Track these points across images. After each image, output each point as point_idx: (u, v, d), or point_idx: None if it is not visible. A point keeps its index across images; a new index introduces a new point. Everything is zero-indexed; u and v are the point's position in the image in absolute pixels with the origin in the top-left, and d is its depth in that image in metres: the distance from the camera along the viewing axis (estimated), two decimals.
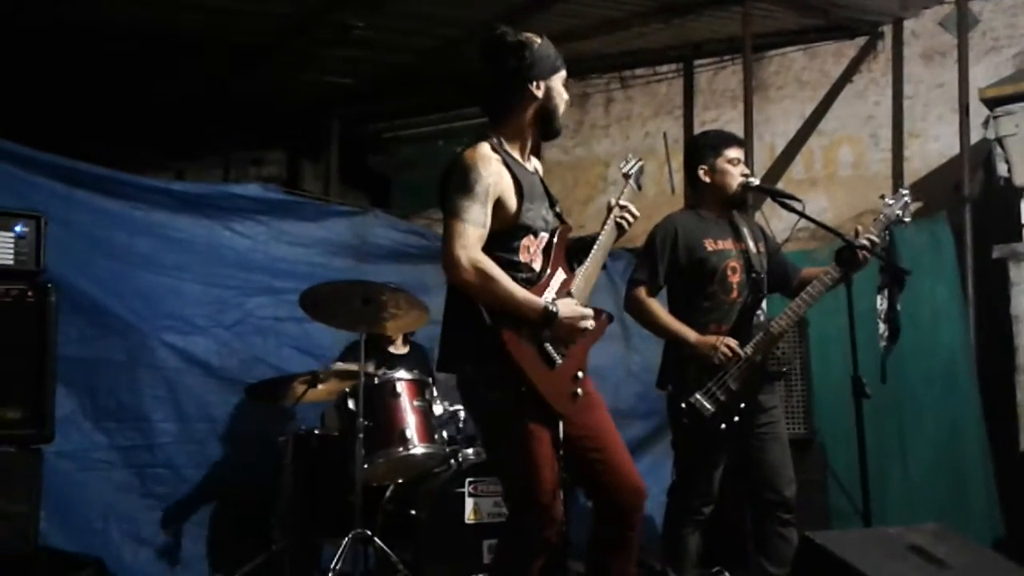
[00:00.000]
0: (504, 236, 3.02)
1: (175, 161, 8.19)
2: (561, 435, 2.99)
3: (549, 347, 2.99)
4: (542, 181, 3.22)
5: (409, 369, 4.82)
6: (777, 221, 4.71)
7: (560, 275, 3.11)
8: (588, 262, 3.18)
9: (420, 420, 4.59)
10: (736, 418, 3.88)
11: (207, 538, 4.90)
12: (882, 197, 4.07)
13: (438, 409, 4.71)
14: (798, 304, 3.95)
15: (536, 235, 3.10)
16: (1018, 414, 5.57)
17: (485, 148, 3.04)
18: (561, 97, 3.16)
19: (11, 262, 3.65)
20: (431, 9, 6.38)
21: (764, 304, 4.13)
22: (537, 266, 3.09)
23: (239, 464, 5.01)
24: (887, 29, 6.75)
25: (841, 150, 6.85)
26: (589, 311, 3.07)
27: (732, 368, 3.87)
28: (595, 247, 3.19)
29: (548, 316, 2.97)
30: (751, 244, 4.09)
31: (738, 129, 6.01)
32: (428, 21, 6.58)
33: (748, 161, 4.23)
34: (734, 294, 4.02)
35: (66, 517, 4.40)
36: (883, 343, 5.06)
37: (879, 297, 5.07)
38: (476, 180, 2.96)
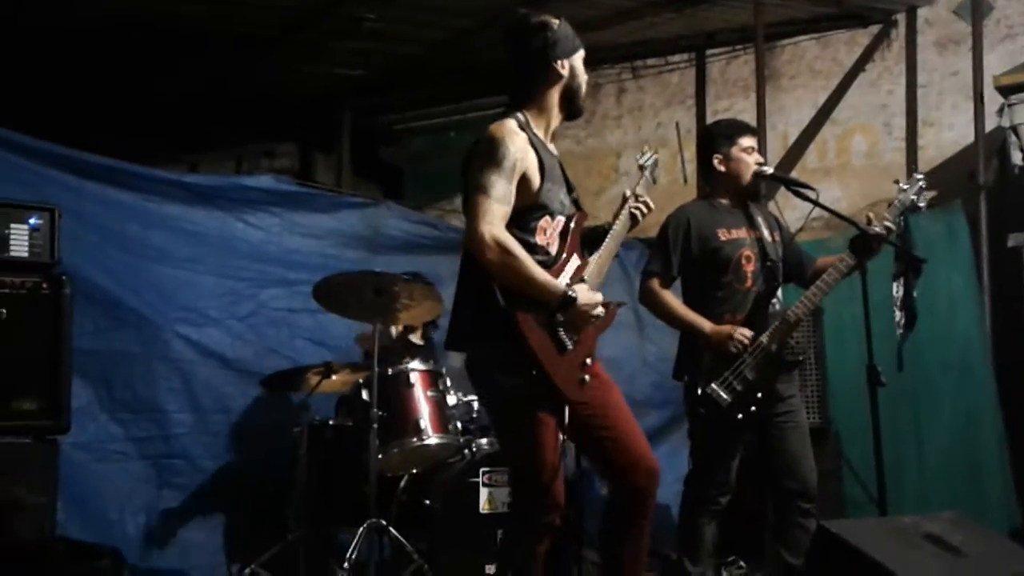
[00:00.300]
0: (523, 215, 3.02)
1: (188, 154, 8.20)
2: (567, 421, 3.00)
3: (561, 332, 2.98)
4: (561, 166, 3.22)
5: (423, 360, 4.82)
6: (790, 211, 4.68)
7: (575, 261, 3.11)
8: (601, 250, 3.20)
9: (434, 410, 4.60)
10: (753, 408, 3.87)
11: (223, 528, 4.92)
12: (896, 183, 4.05)
13: (452, 399, 4.71)
14: (813, 292, 3.94)
15: (553, 217, 3.10)
16: None
17: (512, 124, 3.05)
18: (583, 75, 3.21)
19: (26, 254, 3.66)
20: (442, 0, 6.37)
21: (779, 293, 4.12)
22: (553, 250, 3.09)
23: (254, 455, 5.03)
24: (900, 17, 6.72)
25: (855, 139, 6.82)
26: (601, 298, 3.08)
27: (748, 357, 3.86)
28: (609, 236, 3.20)
29: (566, 300, 2.97)
30: (765, 232, 4.08)
31: (751, 119, 5.97)
32: (439, 12, 6.57)
33: (761, 151, 4.22)
34: (748, 283, 4.01)
35: (82, 508, 4.43)
36: (900, 331, 5.04)
37: (895, 285, 5.06)
38: (504, 155, 2.96)
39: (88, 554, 3.90)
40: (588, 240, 3.23)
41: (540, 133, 3.15)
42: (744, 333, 3.87)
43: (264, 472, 4.96)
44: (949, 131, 6.46)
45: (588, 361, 3.06)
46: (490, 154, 2.97)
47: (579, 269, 3.11)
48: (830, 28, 6.96)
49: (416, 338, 5.33)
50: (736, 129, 4.16)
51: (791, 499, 3.97)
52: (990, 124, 6.05)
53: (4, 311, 3.53)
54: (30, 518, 3.43)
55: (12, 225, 3.64)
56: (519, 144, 3.00)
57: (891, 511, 3.62)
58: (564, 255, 3.09)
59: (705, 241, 4.02)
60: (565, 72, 3.14)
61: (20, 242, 3.65)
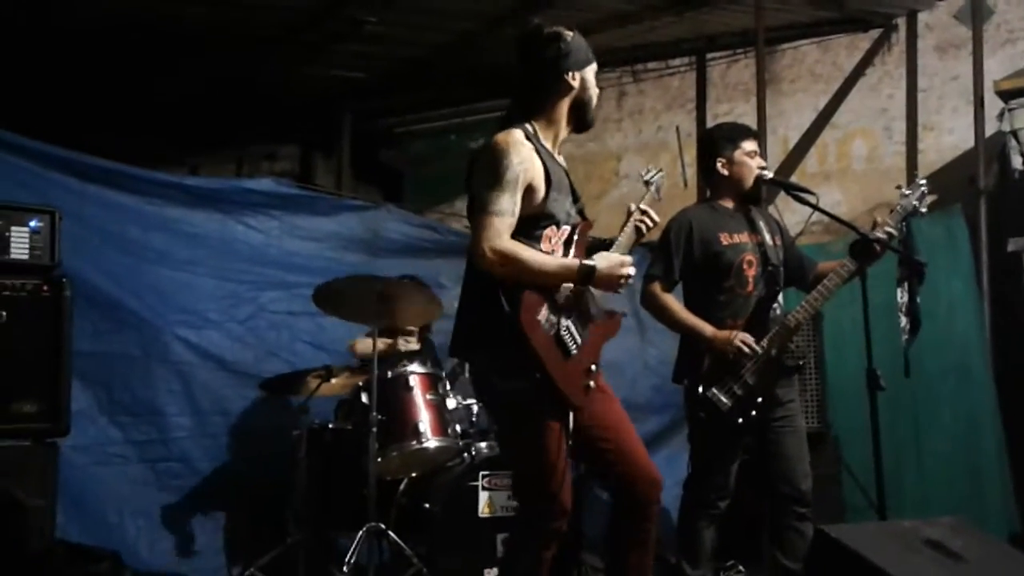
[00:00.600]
0: (528, 224, 3.02)
1: (189, 156, 8.21)
2: (571, 426, 3.00)
3: (565, 336, 2.99)
4: (568, 176, 3.22)
5: (422, 363, 4.82)
6: (791, 215, 4.70)
7: None
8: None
9: (433, 414, 4.59)
10: (753, 412, 3.87)
11: (223, 531, 4.92)
12: (898, 188, 4.06)
13: (451, 403, 4.70)
14: (814, 297, 3.94)
15: (559, 226, 3.10)
16: None
17: (518, 134, 3.05)
18: (594, 89, 3.22)
19: (26, 257, 3.66)
20: (443, 4, 6.37)
21: (780, 298, 4.13)
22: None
23: (253, 458, 5.03)
24: (901, 22, 6.73)
25: (855, 143, 6.83)
26: (628, 258, 3.08)
27: (748, 362, 3.86)
28: (614, 247, 3.21)
29: (587, 272, 2.98)
30: (767, 237, 4.08)
31: (751, 123, 5.96)
32: (440, 15, 6.57)
33: (762, 155, 4.22)
34: (750, 288, 4.01)
35: (82, 511, 4.43)
36: (905, 337, 5.04)
37: (899, 290, 5.05)
38: (507, 168, 2.96)
39: (88, 557, 3.90)
40: (593, 251, 3.24)
41: (548, 144, 3.14)
42: (745, 338, 3.87)
43: (263, 475, 4.95)
44: (949, 135, 6.47)
45: (593, 367, 3.07)
46: (493, 167, 2.97)
47: None
48: (831, 32, 6.97)
49: (413, 342, 5.33)
50: (738, 133, 4.16)
51: (786, 504, 3.97)
52: (990, 128, 6.06)
53: (4, 313, 3.52)
54: (30, 521, 3.42)
55: (13, 228, 3.64)
56: (524, 155, 3.00)
57: (890, 516, 3.62)
58: None
59: (707, 245, 4.02)
60: (576, 84, 3.15)
61: (21, 244, 3.65)
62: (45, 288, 3.63)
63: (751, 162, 4.07)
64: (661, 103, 7.60)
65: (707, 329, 3.93)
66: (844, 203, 6.56)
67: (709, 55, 7.42)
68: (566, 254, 3.10)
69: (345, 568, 4.15)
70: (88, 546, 4.08)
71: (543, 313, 2.96)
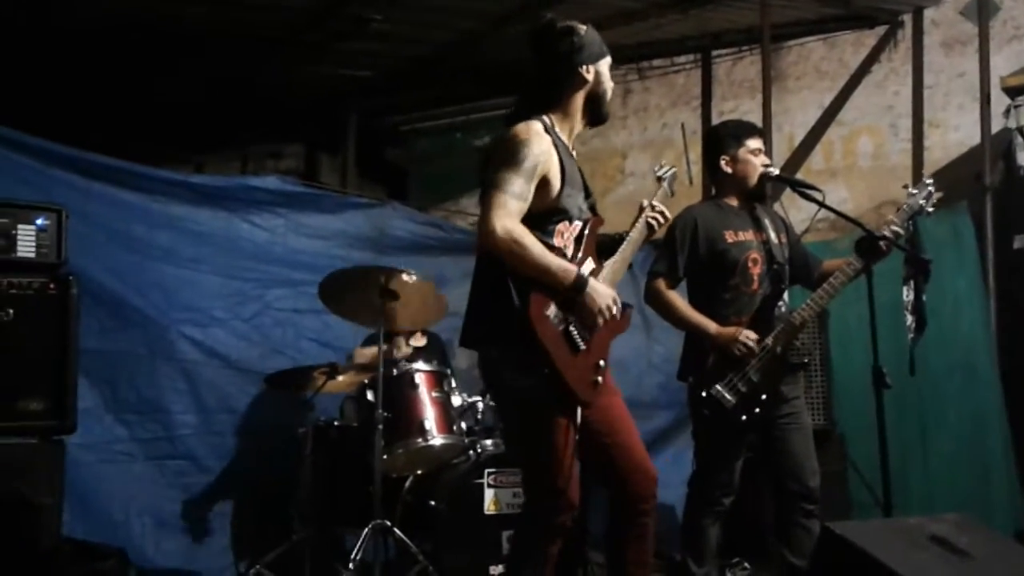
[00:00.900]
0: (541, 217, 3.02)
1: (194, 155, 8.22)
2: (579, 421, 3.00)
3: (574, 331, 2.99)
4: (581, 172, 3.22)
5: (427, 360, 4.82)
6: (796, 212, 4.69)
7: (589, 264, 3.12)
8: (616, 256, 3.22)
9: (439, 411, 4.60)
10: (757, 409, 3.87)
11: (228, 529, 4.93)
12: (905, 187, 4.04)
13: (457, 400, 4.71)
14: (820, 295, 3.93)
15: (571, 221, 3.10)
16: None
17: (538, 125, 3.06)
18: (608, 81, 3.23)
19: (33, 255, 3.66)
20: (448, 1, 6.37)
21: (786, 295, 4.12)
22: (569, 252, 3.09)
23: (259, 455, 5.03)
24: (907, 18, 6.72)
25: (861, 140, 6.82)
26: (616, 296, 3.08)
27: (753, 359, 3.86)
28: (625, 243, 3.23)
29: (580, 282, 2.97)
30: (772, 235, 4.07)
31: (756, 120, 5.94)
32: (445, 13, 6.57)
33: (767, 152, 4.21)
34: (755, 285, 4.00)
35: (88, 509, 4.44)
36: (911, 335, 5.03)
37: (905, 289, 5.04)
38: (526, 155, 2.96)
39: (94, 555, 3.90)
40: (604, 247, 3.24)
41: (564, 137, 3.15)
42: (749, 336, 3.86)
43: (269, 473, 4.96)
44: (955, 132, 6.46)
45: (601, 363, 3.07)
46: (512, 152, 2.97)
47: (592, 272, 3.11)
48: (836, 29, 6.96)
49: (417, 341, 5.33)
50: (743, 130, 4.15)
51: (793, 500, 3.96)
52: (996, 125, 6.05)
53: (11, 311, 3.52)
54: (37, 518, 3.43)
55: (19, 225, 3.63)
56: (544, 146, 3.01)
57: (896, 513, 3.61)
58: (580, 257, 3.10)
59: (712, 243, 4.01)
60: (591, 77, 3.15)
61: (27, 242, 3.64)
62: (52, 286, 3.62)
63: (755, 160, 4.06)
64: (666, 100, 7.59)
65: (711, 326, 3.92)
66: (850, 200, 6.55)
67: (714, 52, 7.41)
68: (577, 250, 3.10)
69: (351, 565, 4.16)
70: (94, 543, 4.09)
71: (552, 309, 2.96)
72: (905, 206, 3.94)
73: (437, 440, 4.54)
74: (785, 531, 4.00)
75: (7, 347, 3.50)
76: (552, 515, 3.03)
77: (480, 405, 4.84)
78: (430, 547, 4.39)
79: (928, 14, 6.64)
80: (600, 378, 3.06)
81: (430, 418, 4.56)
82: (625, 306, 3.19)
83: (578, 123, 3.22)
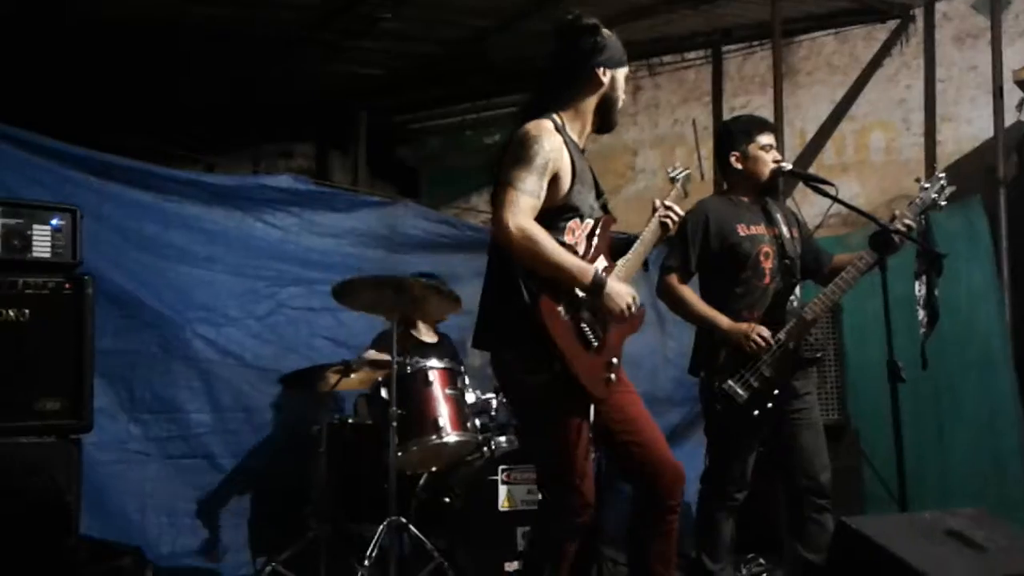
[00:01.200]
0: (552, 215, 3.02)
1: (205, 155, 8.24)
2: (592, 419, 3.00)
3: (586, 328, 2.99)
4: (592, 171, 3.23)
5: (440, 358, 4.83)
6: (808, 207, 4.67)
7: (601, 261, 3.12)
8: (629, 255, 3.21)
9: (453, 408, 4.61)
10: (769, 404, 3.86)
11: (244, 527, 4.94)
12: (917, 181, 4.03)
13: (470, 397, 4.73)
14: (832, 290, 3.92)
15: (582, 219, 3.10)
16: None
17: (548, 124, 3.06)
18: (622, 92, 3.23)
19: (48, 255, 3.66)
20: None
21: (798, 290, 4.11)
22: (580, 250, 3.09)
23: (274, 453, 5.05)
24: (918, 12, 6.69)
25: (873, 135, 6.80)
26: (634, 293, 3.08)
27: (765, 355, 3.85)
28: (638, 242, 3.22)
29: (599, 284, 2.97)
30: (784, 229, 4.06)
31: (768, 115, 5.98)
32: (455, 11, 6.57)
33: (778, 147, 4.20)
34: (767, 280, 3.99)
35: (103, 508, 4.46)
36: (923, 330, 5.03)
37: (917, 283, 5.03)
38: (537, 152, 2.97)
39: (112, 553, 3.92)
40: (618, 247, 3.24)
41: (574, 136, 3.16)
42: (761, 331, 3.86)
43: (284, 470, 4.98)
44: (968, 126, 6.43)
45: (614, 361, 3.07)
46: (523, 150, 2.97)
47: (606, 270, 3.11)
48: (847, 23, 6.93)
49: (429, 336, 5.34)
50: (754, 126, 4.14)
51: (805, 496, 3.95)
52: (1009, 119, 6.04)
53: (27, 311, 3.54)
54: (55, 517, 3.44)
55: (35, 226, 3.64)
56: (555, 144, 3.01)
57: (912, 508, 3.61)
58: (591, 255, 3.10)
59: (724, 237, 4.01)
60: (606, 80, 3.15)
61: (43, 243, 3.65)
62: (67, 286, 3.63)
63: (766, 156, 4.05)
64: (677, 96, 7.58)
65: (723, 321, 3.91)
66: (862, 195, 6.53)
67: (725, 48, 7.39)
68: (588, 248, 3.10)
69: (366, 562, 4.16)
70: (112, 542, 4.12)
71: (563, 306, 2.96)
72: (917, 200, 3.93)
73: (451, 437, 4.55)
74: (798, 527, 4.00)
75: (24, 347, 3.51)
76: (569, 514, 3.03)
77: (493, 402, 4.85)
78: (445, 544, 4.40)
79: (940, 7, 6.61)
80: (613, 375, 3.06)
81: (444, 415, 4.57)
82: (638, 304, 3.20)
83: (588, 125, 3.22)
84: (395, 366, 4.38)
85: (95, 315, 3.77)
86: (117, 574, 3.86)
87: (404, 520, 4.32)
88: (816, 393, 4.18)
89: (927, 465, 5.54)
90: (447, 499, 4.55)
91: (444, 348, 5.27)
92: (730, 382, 3.85)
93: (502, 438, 4.73)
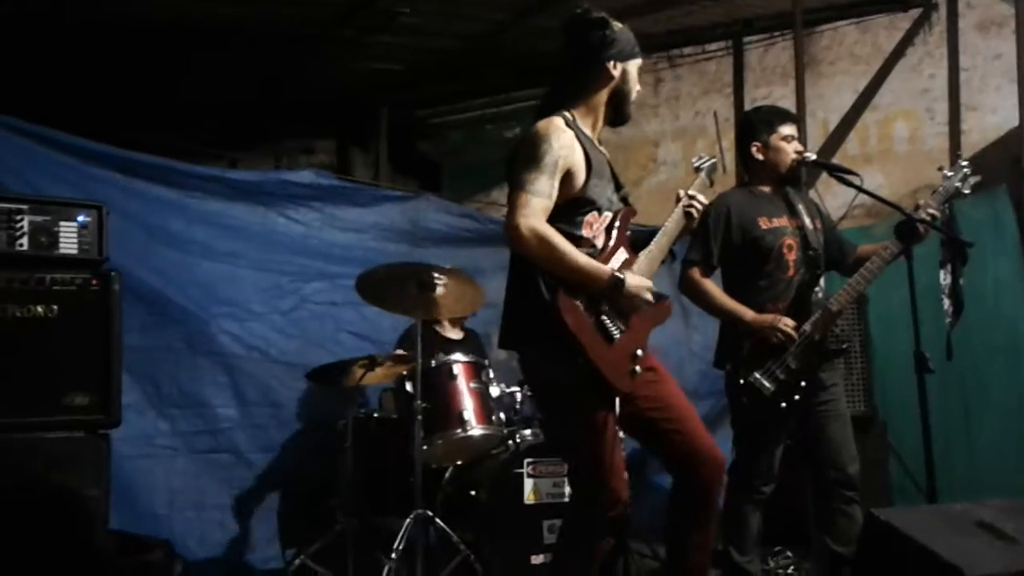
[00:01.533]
0: (568, 209, 3.02)
1: (227, 152, 8.27)
2: (617, 413, 2.99)
3: (607, 321, 2.98)
4: (611, 165, 3.21)
5: (465, 352, 4.84)
6: (831, 198, 4.65)
7: (622, 254, 3.11)
8: (652, 246, 3.19)
9: (477, 402, 4.62)
10: (796, 396, 3.85)
11: (271, 521, 4.97)
12: (940, 169, 4.01)
13: (495, 391, 4.73)
14: (857, 280, 3.90)
15: (600, 212, 3.10)
16: None
17: (559, 121, 3.06)
18: (635, 84, 3.22)
19: (75, 251, 3.69)
20: None
21: (822, 281, 4.09)
22: (599, 243, 3.09)
23: (300, 447, 5.07)
24: (941, 0, 6.63)
25: (896, 125, 6.75)
26: (650, 283, 3.07)
27: (791, 346, 3.84)
28: (660, 233, 3.20)
29: (615, 283, 2.96)
30: (807, 220, 4.05)
31: (790, 106, 5.91)
32: (474, 5, 6.56)
33: (801, 138, 4.18)
34: (791, 272, 3.98)
35: (131, 503, 4.50)
36: (948, 319, 4.99)
37: (942, 272, 5.00)
38: (546, 152, 2.97)
39: (141, 547, 3.94)
40: (641, 240, 3.22)
41: (587, 131, 3.15)
42: (787, 323, 3.84)
43: (310, 464, 5.01)
44: (993, 115, 6.38)
45: (639, 352, 3.05)
46: (533, 150, 2.98)
47: (627, 262, 3.10)
48: (870, 12, 6.88)
49: (455, 332, 5.35)
50: (776, 116, 4.13)
51: (833, 487, 3.95)
52: None
53: (55, 307, 3.57)
54: (84, 511, 3.47)
55: (61, 223, 3.66)
56: (565, 141, 3.01)
57: (940, 500, 3.58)
58: (611, 247, 3.09)
59: (746, 230, 3.99)
60: (616, 74, 3.15)
61: (70, 239, 3.68)
62: (94, 282, 3.65)
63: (787, 147, 4.04)
64: (698, 88, 7.55)
65: (747, 313, 3.90)
66: (886, 186, 6.48)
67: (746, 38, 7.35)
68: (607, 241, 3.10)
69: (393, 555, 4.17)
70: (140, 536, 4.14)
71: (582, 300, 2.95)
72: (941, 188, 3.91)
73: (476, 430, 4.56)
74: (826, 519, 3.99)
75: (53, 342, 3.54)
76: (598, 508, 3.03)
77: (518, 395, 4.86)
78: (471, 537, 4.41)
79: None
80: (638, 367, 3.04)
81: (469, 408, 4.58)
82: (664, 296, 3.18)
83: (601, 119, 3.21)
84: (419, 360, 4.39)
85: (122, 311, 3.80)
86: (147, 568, 3.88)
87: (430, 513, 4.33)
88: (843, 384, 4.17)
89: (955, 456, 5.50)
90: (473, 492, 4.56)
91: (469, 344, 5.27)
92: (756, 374, 3.84)
93: (527, 431, 4.73)
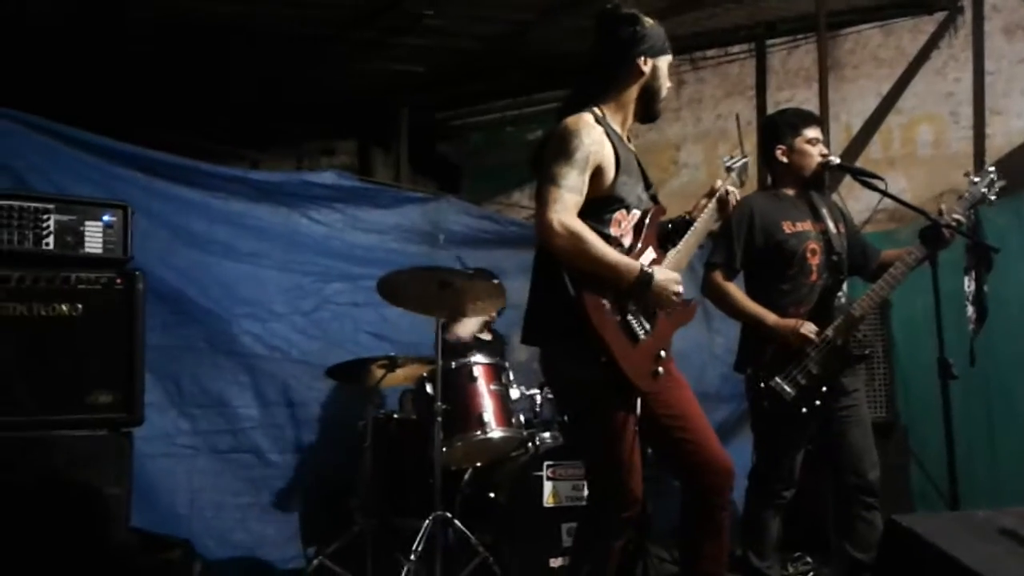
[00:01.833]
0: (597, 206, 3.01)
1: (248, 153, 8.31)
2: (639, 413, 2.98)
3: (632, 321, 2.97)
4: (639, 162, 3.20)
5: (486, 354, 4.83)
6: (854, 203, 4.62)
7: (650, 252, 3.10)
8: (680, 245, 3.18)
9: (497, 404, 4.61)
10: (817, 402, 3.83)
11: (291, 521, 4.98)
12: (967, 175, 3.98)
13: (515, 393, 4.72)
14: (880, 286, 3.88)
15: (629, 210, 3.08)
16: None
17: (588, 117, 3.05)
18: (665, 80, 3.20)
19: (100, 251, 3.72)
20: None
21: (845, 286, 4.07)
22: (627, 242, 3.07)
23: (320, 448, 5.09)
24: (967, 3, 6.60)
25: (920, 129, 6.71)
26: (679, 277, 3.06)
27: (813, 351, 3.82)
28: (690, 232, 3.19)
29: (645, 278, 2.95)
30: (831, 224, 4.02)
31: (813, 109, 5.88)
32: (496, 7, 6.56)
33: (824, 142, 4.16)
34: (814, 276, 3.96)
35: (152, 502, 4.51)
36: (971, 326, 4.96)
37: (966, 279, 4.97)
38: (577, 147, 2.96)
39: (161, 545, 3.97)
40: (673, 231, 3.21)
41: (617, 127, 3.14)
42: (810, 328, 3.82)
43: (330, 465, 5.02)
44: (1018, 119, 6.33)
45: (663, 354, 3.05)
46: (563, 145, 2.97)
47: (655, 261, 3.09)
48: (894, 15, 6.85)
49: (484, 334, 5.35)
50: (801, 119, 4.11)
51: (854, 493, 3.92)
52: None
53: (80, 306, 3.60)
54: (106, 508, 3.49)
55: (87, 222, 3.70)
56: (595, 137, 3.00)
57: (962, 506, 3.56)
58: (639, 246, 3.07)
59: (769, 234, 3.97)
60: (647, 70, 3.13)
61: (95, 239, 3.71)
62: (119, 281, 3.69)
63: (812, 150, 4.02)
64: (720, 91, 7.53)
65: (770, 317, 3.89)
66: (909, 190, 6.44)
67: (769, 41, 7.33)
68: (636, 239, 3.08)
69: (412, 556, 4.18)
70: (161, 534, 4.16)
71: (608, 299, 2.94)
72: (967, 194, 3.88)
73: (496, 433, 4.56)
74: (846, 525, 3.96)
75: (77, 341, 3.57)
76: (615, 509, 3.02)
77: (538, 398, 4.85)
78: (490, 539, 4.41)
79: None
80: (661, 368, 3.03)
81: (489, 410, 4.58)
82: (689, 300, 3.17)
83: (630, 116, 3.20)
84: (440, 361, 4.39)
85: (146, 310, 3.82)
86: (167, 566, 3.91)
87: (449, 515, 4.33)
88: (864, 390, 4.14)
89: (977, 462, 5.46)
90: (492, 494, 4.56)
91: (494, 344, 5.28)
92: (777, 379, 3.82)
93: (547, 434, 4.73)
